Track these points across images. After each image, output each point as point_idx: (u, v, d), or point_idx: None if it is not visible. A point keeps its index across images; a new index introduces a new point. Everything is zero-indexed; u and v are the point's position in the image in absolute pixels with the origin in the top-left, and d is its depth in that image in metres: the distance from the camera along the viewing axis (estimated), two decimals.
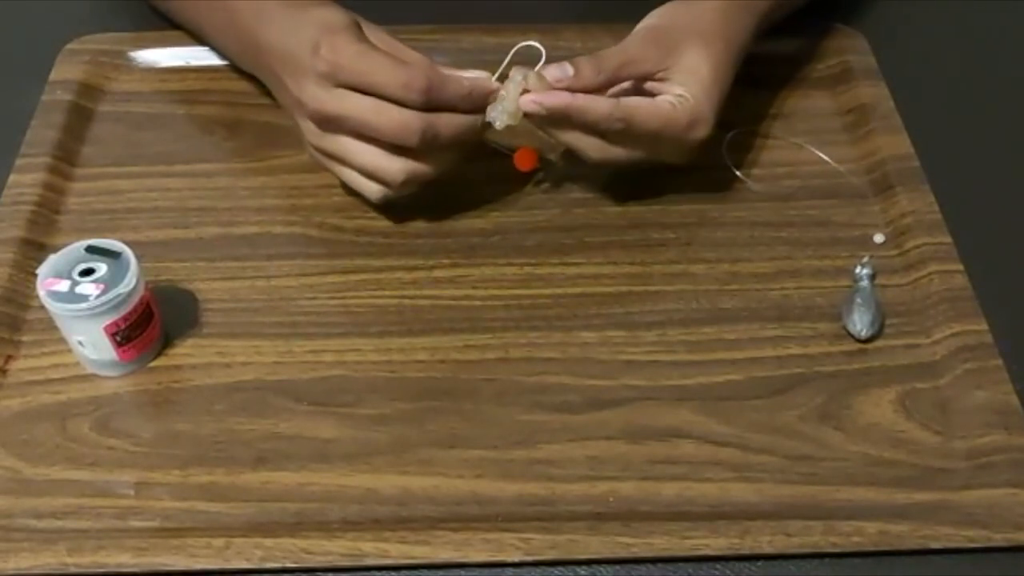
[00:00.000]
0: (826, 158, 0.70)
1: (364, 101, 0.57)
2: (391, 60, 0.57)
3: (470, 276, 0.63)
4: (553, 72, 0.60)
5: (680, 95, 0.61)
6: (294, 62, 0.59)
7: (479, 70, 0.60)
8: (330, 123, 0.59)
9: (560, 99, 0.59)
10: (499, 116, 0.60)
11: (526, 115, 0.60)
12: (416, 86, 0.56)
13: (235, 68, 0.75)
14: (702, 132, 0.61)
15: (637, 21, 0.64)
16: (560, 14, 0.77)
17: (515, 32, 0.75)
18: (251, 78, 0.74)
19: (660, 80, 0.62)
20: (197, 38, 0.75)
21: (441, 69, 0.59)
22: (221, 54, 0.74)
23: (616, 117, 0.59)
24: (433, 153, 0.60)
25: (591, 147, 0.62)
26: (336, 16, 0.59)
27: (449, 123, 0.59)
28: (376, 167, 0.60)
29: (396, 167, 0.59)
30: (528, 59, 0.61)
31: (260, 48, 0.63)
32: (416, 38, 0.64)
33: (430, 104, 0.57)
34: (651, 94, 0.62)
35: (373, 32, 0.61)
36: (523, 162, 0.66)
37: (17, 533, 0.52)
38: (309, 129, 0.60)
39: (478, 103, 0.59)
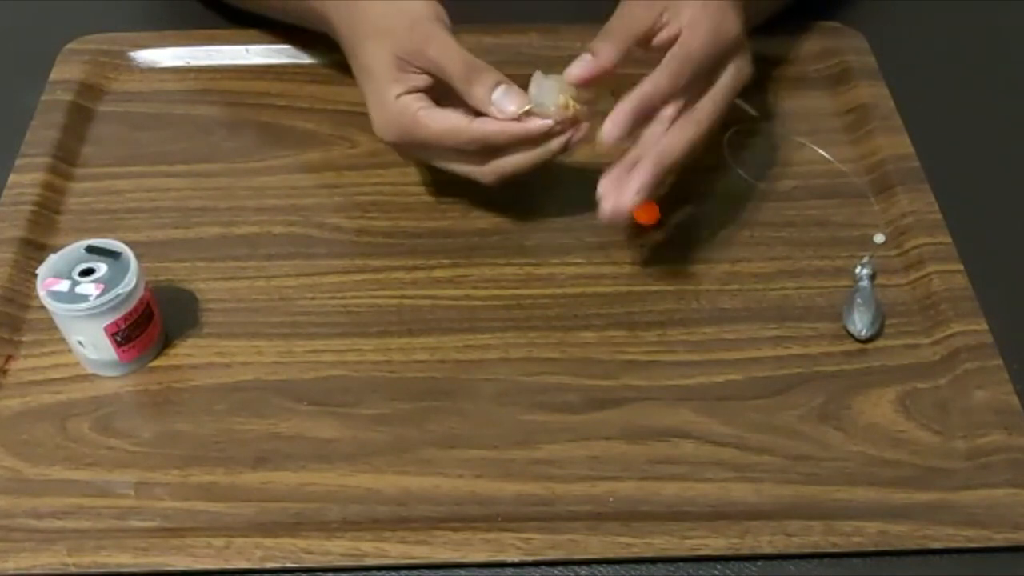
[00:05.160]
0: (828, 157, 0.70)
1: (436, 155, 0.62)
2: (440, 125, 0.59)
3: (470, 276, 0.63)
4: (576, 70, 0.58)
5: (692, 16, 0.58)
6: (364, 94, 0.62)
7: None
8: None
9: (628, 103, 0.57)
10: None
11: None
12: (469, 148, 0.59)
13: (235, 68, 0.75)
14: (734, 29, 0.58)
15: None
16: (560, 14, 0.77)
17: (515, 32, 0.76)
18: (251, 78, 0.74)
19: (664, 25, 0.59)
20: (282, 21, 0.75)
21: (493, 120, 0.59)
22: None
23: (676, 67, 0.57)
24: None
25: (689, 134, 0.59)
26: (387, 50, 0.60)
27: (513, 162, 0.60)
28: (467, 174, 0.62)
29: (492, 184, 0.61)
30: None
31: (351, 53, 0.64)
32: None
33: (489, 153, 0.60)
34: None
35: (441, 44, 0.60)
36: (644, 216, 0.64)
37: (17, 533, 0.52)
38: None
39: (533, 140, 0.59)
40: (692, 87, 0.59)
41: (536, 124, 0.59)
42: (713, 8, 0.59)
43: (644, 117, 0.58)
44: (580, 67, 0.58)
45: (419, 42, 0.59)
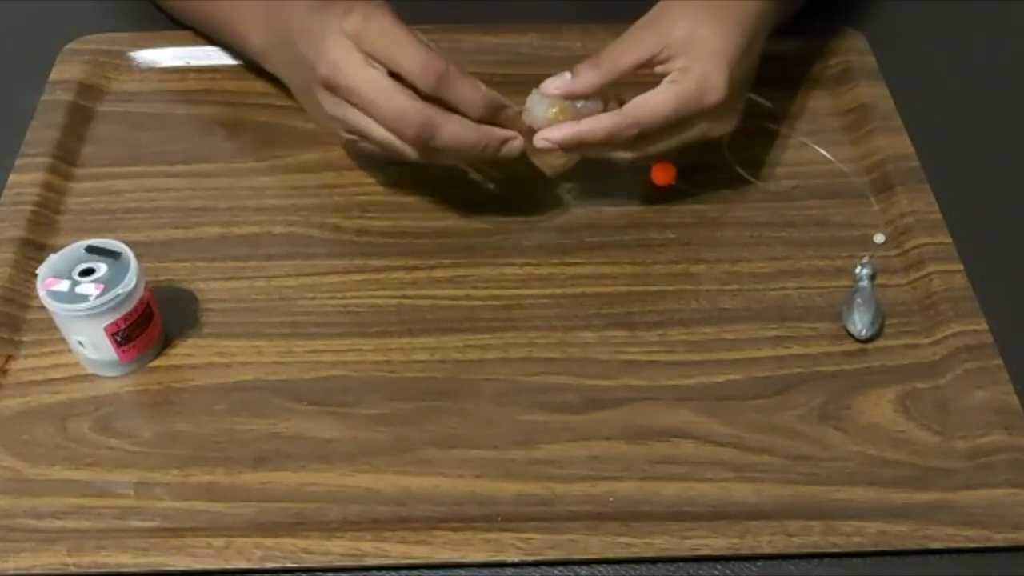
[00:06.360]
0: (829, 156, 0.70)
1: (377, 78, 0.57)
2: (416, 41, 0.57)
3: (470, 276, 0.63)
4: (552, 82, 0.61)
5: (681, 68, 0.60)
6: (320, 27, 0.59)
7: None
8: (339, 91, 0.59)
9: (565, 130, 0.60)
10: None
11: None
12: (432, 69, 0.56)
13: (235, 68, 0.75)
14: (716, 96, 0.60)
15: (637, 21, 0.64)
16: (560, 14, 0.77)
17: (515, 32, 0.76)
18: (251, 78, 0.74)
19: (663, 61, 0.61)
20: (207, 36, 0.75)
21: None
22: (233, 45, 0.73)
23: (625, 125, 0.59)
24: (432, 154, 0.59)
25: (622, 156, 0.62)
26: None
27: (451, 129, 0.58)
28: (394, 126, 0.59)
29: (410, 134, 0.58)
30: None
31: (285, 24, 0.62)
32: None
33: (440, 93, 0.57)
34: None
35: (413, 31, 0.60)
36: (660, 176, 0.66)
37: (17, 533, 0.52)
38: (327, 101, 0.60)
39: (488, 112, 0.59)
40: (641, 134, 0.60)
41: (498, 98, 0.59)
42: (705, 68, 0.60)
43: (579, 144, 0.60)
44: (556, 83, 0.61)
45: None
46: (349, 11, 0.58)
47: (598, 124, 0.60)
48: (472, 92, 0.58)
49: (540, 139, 0.60)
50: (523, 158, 0.66)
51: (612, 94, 0.62)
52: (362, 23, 0.57)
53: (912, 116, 0.71)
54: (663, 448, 0.56)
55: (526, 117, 0.61)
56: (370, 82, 0.57)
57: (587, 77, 0.60)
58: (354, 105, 0.59)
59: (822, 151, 0.70)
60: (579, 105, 0.61)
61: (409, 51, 0.57)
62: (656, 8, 0.63)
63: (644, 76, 0.61)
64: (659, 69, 0.61)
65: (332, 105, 0.60)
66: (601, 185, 0.68)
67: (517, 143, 0.60)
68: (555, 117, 0.60)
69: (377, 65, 0.57)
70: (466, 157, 0.60)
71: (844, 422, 0.57)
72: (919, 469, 0.55)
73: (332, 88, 0.59)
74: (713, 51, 0.60)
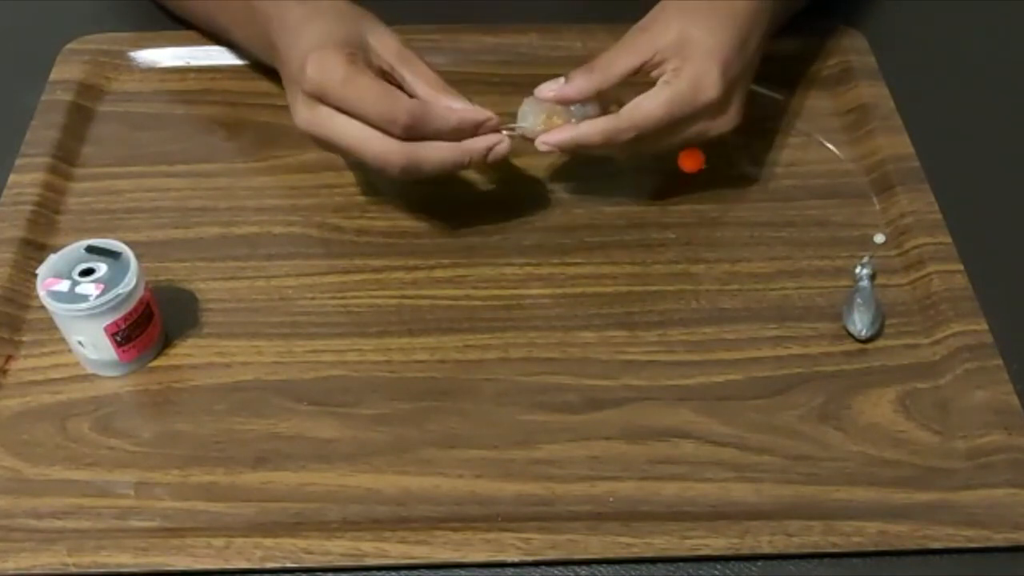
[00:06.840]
0: (835, 150, 0.70)
1: (348, 127, 0.58)
2: (376, 89, 0.57)
3: (470, 276, 0.63)
4: (547, 86, 0.61)
5: (674, 69, 0.60)
6: (288, 73, 0.60)
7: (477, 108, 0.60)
8: (319, 142, 0.60)
9: (564, 134, 0.60)
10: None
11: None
12: (399, 121, 0.57)
13: (235, 68, 0.75)
14: (710, 94, 0.60)
15: (637, 21, 0.64)
16: (560, 14, 0.77)
17: (515, 32, 0.76)
18: (251, 78, 0.74)
19: (656, 65, 0.61)
20: (214, 36, 0.75)
21: (434, 101, 0.59)
22: (245, 51, 0.74)
23: (621, 128, 0.60)
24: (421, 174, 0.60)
25: (623, 155, 0.63)
26: (337, 28, 0.59)
27: (431, 157, 0.58)
28: (378, 167, 0.59)
29: (395, 172, 0.59)
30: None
31: (272, 47, 0.63)
32: (416, 38, 0.65)
33: (413, 137, 0.58)
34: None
35: (383, 38, 0.61)
36: (688, 163, 0.66)
37: (17, 533, 0.52)
38: (315, 145, 0.61)
39: (465, 135, 0.59)
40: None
41: (475, 112, 0.59)
42: (698, 67, 0.60)
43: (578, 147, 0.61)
44: (550, 89, 0.61)
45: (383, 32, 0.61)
46: (303, 66, 0.57)
47: (594, 128, 0.60)
48: (443, 122, 0.58)
49: (541, 143, 0.61)
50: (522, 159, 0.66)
51: (611, 96, 0.62)
52: (317, 79, 0.57)
53: (912, 116, 0.71)
54: (663, 448, 0.56)
55: (520, 124, 0.61)
56: (343, 135, 0.58)
57: (581, 83, 0.61)
58: (339, 152, 0.60)
59: (830, 146, 0.70)
60: (573, 109, 0.61)
61: (369, 104, 0.57)
62: (651, 12, 0.63)
63: (640, 81, 0.61)
64: (654, 74, 0.61)
65: (321, 148, 0.61)
66: (601, 185, 0.68)
67: (503, 146, 0.60)
68: (547, 122, 0.61)
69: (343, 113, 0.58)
70: (455, 172, 0.61)
71: (844, 422, 0.57)
72: (919, 469, 0.55)
73: (312, 139, 0.60)
74: (706, 50, 0.60)
